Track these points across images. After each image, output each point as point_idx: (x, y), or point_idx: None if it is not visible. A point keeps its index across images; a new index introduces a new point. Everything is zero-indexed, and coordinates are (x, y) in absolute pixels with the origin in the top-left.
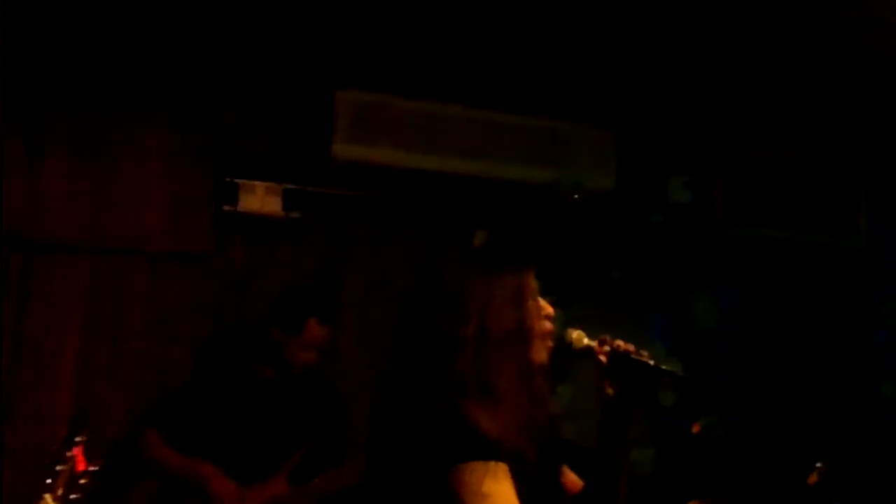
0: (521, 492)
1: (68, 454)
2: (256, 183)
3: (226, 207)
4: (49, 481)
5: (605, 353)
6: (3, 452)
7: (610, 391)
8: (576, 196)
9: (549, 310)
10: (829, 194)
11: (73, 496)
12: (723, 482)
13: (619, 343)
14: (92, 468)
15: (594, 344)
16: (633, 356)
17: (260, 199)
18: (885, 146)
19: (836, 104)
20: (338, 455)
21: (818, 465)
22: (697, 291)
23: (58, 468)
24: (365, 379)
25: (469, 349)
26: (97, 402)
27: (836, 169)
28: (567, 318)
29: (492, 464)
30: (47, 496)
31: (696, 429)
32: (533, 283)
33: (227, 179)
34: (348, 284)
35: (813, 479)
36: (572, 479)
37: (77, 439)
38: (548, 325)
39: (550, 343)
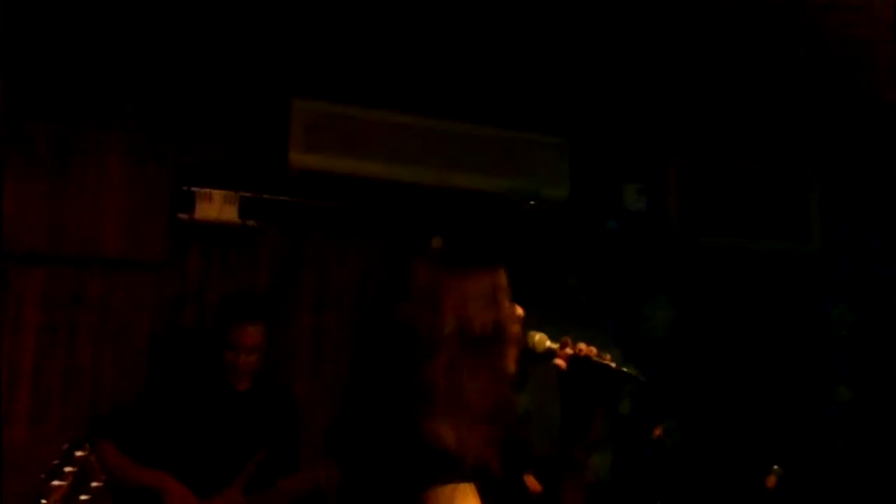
0: None
1: (67, 469)
2: (213, 191)
3: (181, 216)
4: (43, 501)
5: (567, 357)
6: None
7: (570, 395)
8: (531, 203)
9: (520, 311)
10: (783, 201)
11: None
12: (681, 487)
13: (582, 346)
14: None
15: (556, 346)
16: (594, 359)
17: (216, 207)
18: (837, 152)
19: (789, 112)
20: (293, 461)
21: (775, 468)
22: (653, 297)
23: (54, 483)
24: (319, 385)
25: (444, 351)
26: (52, 409)
27: (789, 176)
28: (525, 324)
29: (461, 486)
30: None
31: (657, 433)
32: (505, 283)
33: (184, 188)
34: (303, 291)
35: (771, 481)
36: (533, 484)
37: (78, 454)
38: (518, 328)
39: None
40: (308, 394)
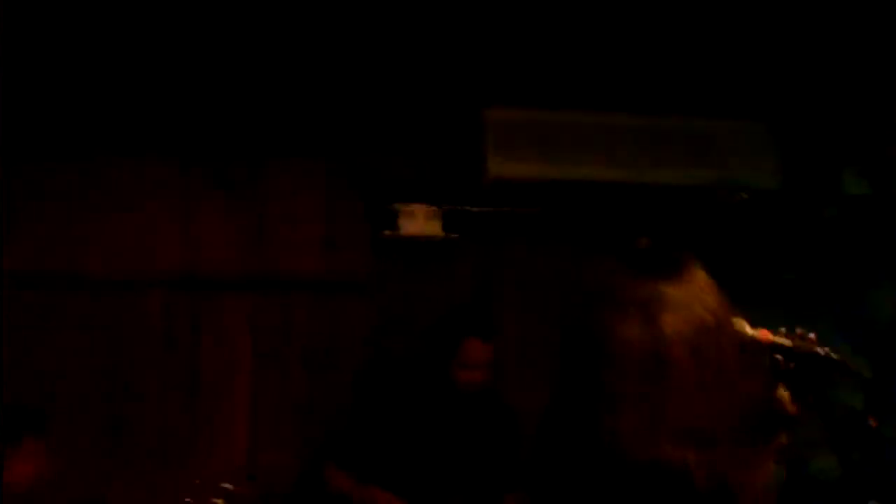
0: None
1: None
2: (415, 206)
3: (386, 233)
4: None
5: (768, 343)
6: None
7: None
8: (742, 195)
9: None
10: None
11: None
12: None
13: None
14: None
15: (756, 334)
16: (798, 345)
17: (420, 222)
18: None
19: None
20: (516, 476)
21: None
22: (878, 287)
23: None
24: (526, 396)
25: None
26: (269, 433)
27: None
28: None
29: None
30: None
31: (874, 423)
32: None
33: (387, 205)
34: (506, 301)
35: None
36: None
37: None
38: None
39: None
40: (516, 405)
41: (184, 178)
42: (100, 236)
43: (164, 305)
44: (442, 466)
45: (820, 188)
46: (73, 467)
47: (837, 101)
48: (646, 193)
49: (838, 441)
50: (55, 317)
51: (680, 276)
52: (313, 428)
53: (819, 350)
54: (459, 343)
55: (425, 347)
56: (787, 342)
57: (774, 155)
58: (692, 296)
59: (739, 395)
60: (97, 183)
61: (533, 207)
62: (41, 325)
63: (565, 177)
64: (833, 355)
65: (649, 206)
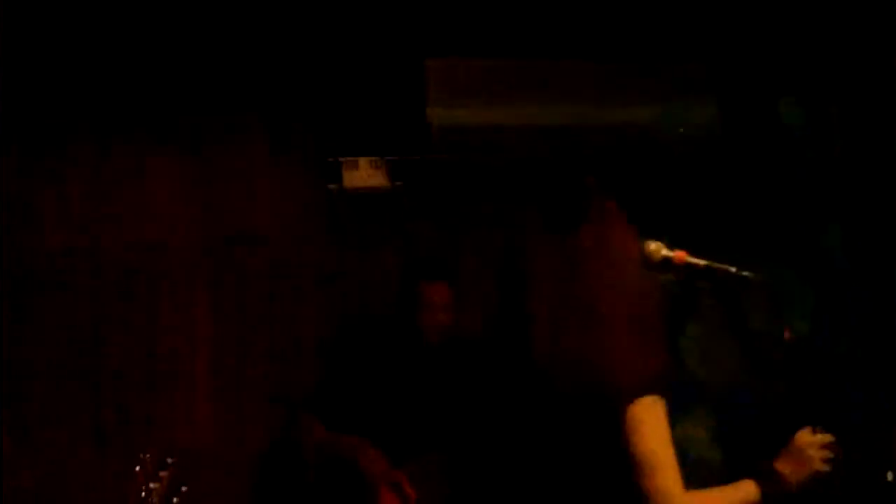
0: None
1: (161, 474)
2: (359, 159)
3: (331, 186)
4: (143, 496)
5: (683, 264)
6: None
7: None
8: (681, 130)
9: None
10: None
11: None
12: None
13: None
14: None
15: (672, 255)
16: (711, 266)
17: (364, 174)
18: None
19: None
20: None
21: None
22: (822, 221)
23: (151, 485)
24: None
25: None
26: (231, 390)
27: None
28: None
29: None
30: None
31: (787, 335)
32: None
33: (330, 159)
34: (462, 248)
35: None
36: None
37: (168, 460)
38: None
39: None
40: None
41: (132, 139)
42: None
43: (122, 267)
44: (415, 417)
45: (758, 122)
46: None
47: (772, 32)
48: (588, 136)
49: (752, 355)
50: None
51: (589, 218)
52: (274, 382)
53: (731, 269)
54: (420, 287)
55: (392, 300)
56: (701, 262)
57: (713, 92)
58: (600, 235)
59: (637, 307)
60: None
61: (477, 154)
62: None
63: (507, 122)
64: (745, 273)
65: (592, 148)
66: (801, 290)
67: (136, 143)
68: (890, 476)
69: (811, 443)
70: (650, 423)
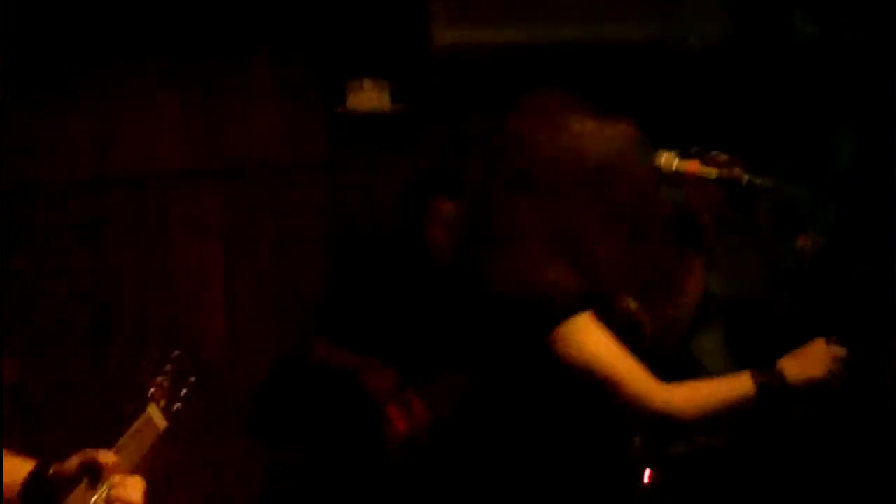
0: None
1: (168, 367)
2: (364, 81)
3: (337, 109)
4: (151, 391)
5: (695, 176)
6: None
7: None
8: (690, 44)
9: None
10: None
11: (175, 406)
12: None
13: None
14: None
15: (684, 167)
16: (722, 174)
17: (368, 96)
18: None
19: None
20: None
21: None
22: (835, 130)
23: (158, 379)
24: None
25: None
26: (244, 314)
27: None
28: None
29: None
30: (151, 405)
31: (801, 243)
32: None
33: (336, 82)
34: (468, 169)
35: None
36: None
37: (174, 354)
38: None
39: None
40: None
41: (134, 69)
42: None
43: (134, 199)
44: (425, 336)
45: (771, 33)
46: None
47: None
48: (597, 52)
49: (765, 264)
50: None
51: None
52: (286, 305)
53: (744, 177)
54: (429, 203)
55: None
56: (713, 171)
57: (724, 4)
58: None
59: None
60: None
61: (483, 74)
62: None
63: (512, 41)
64: (757, 181)
65: (602, 64)
66: (819, 202)
67: (137, 74)
68: None
69: (824, 351)
70: (592, 338)
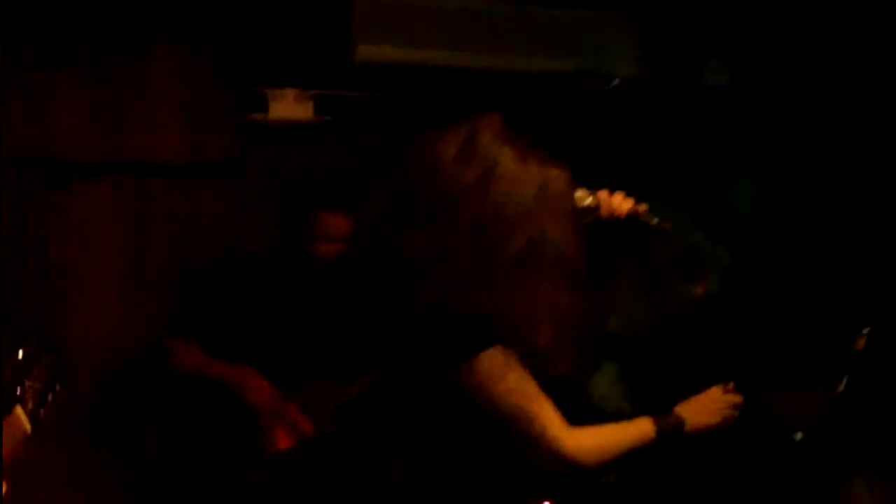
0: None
1: (35, 370)
2: (286, 90)
3: (256, 116)
4: (18, 393)
5: (604, 212)
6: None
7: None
8: (612, 83)
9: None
10: None
11: (41, 412)
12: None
13: (617, 200)
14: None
15: (594, 203)
16: (630, 214)
17: (290, 105)
18: None
19: None
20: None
21: (864, 331)
22: (734, 176)
23: (27, 383)
24: None
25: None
26: (125, 319)
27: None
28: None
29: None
30: (18, 408)
31: (699, 291)
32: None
33: (256, 89)
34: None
35: (860, 345)
36: None
37: (44, 359)
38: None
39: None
40: None
41: (36, 62)
42: None
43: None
44: (300, 339)
45: (683, 78)
46: None
47: None
48: (517, 81)
49: (661, 310)
50: None
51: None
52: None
53: (653, 220)
54: (312, 213)
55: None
56: (623, 210)
57: (639, 45)
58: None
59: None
60: None
61: (400, 92)
62: None
63: (432, 62)
64: (665, 226)
65: (520, 93)
66: (715, 249)
67: (35, 64)
68: (798, 436)
69: (721, 398)
70: (508, 372)
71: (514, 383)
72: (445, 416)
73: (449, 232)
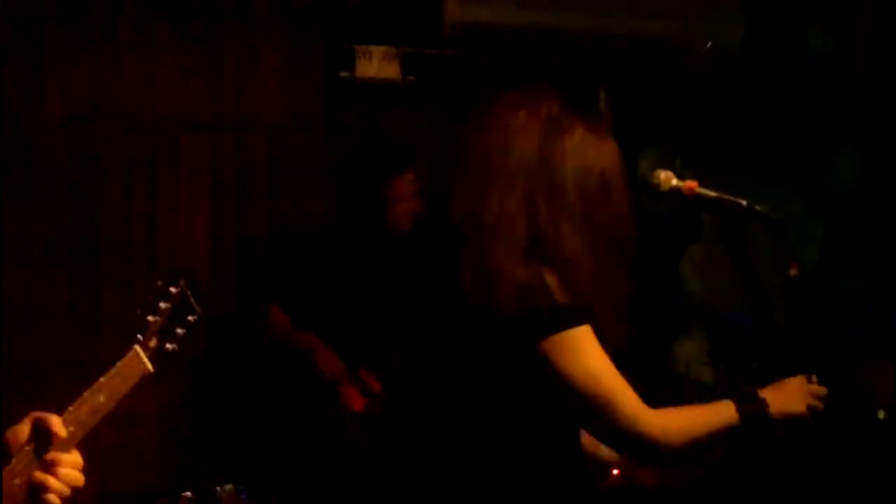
0: None
1: (162, 305)
2: (373, 47)
3: (343, 74)
4: (140, 335)
5: (693, 195)
6: None
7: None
8: (708, 45)
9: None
10: None
11: (168, 347)
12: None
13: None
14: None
15: (682, 185)
16: (721, 197)
17: (377, 63)
18: None
19: None
20: None
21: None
22: (837, 150)
23: (149, 318)
24: None
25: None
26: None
27: None
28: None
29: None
30: (136, 348)
31: (793, 272)
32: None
33: (344, 45)
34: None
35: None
36: None
37: (172, 289)
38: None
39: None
40: None
41: (140, 12)
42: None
43: (127, 145)
44: (383, 310)
45: (784, 44)
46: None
47: None
48: (614, 43)
49: (754, 289)
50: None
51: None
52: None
53: (742, 202)
54: (387, 182)
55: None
56: (712, 193)
57: (739, 9)
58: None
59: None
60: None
61: (492, 54)
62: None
63: (524, 23)
64: (757, 207)
65: (617, 56)
66: (810, 223)
67: (143, 17)
68: (882, 414)
69: (805, 388)
70: (592, 353)
71: (600, 363)
72: (512, 389)
73: (507, 201)
